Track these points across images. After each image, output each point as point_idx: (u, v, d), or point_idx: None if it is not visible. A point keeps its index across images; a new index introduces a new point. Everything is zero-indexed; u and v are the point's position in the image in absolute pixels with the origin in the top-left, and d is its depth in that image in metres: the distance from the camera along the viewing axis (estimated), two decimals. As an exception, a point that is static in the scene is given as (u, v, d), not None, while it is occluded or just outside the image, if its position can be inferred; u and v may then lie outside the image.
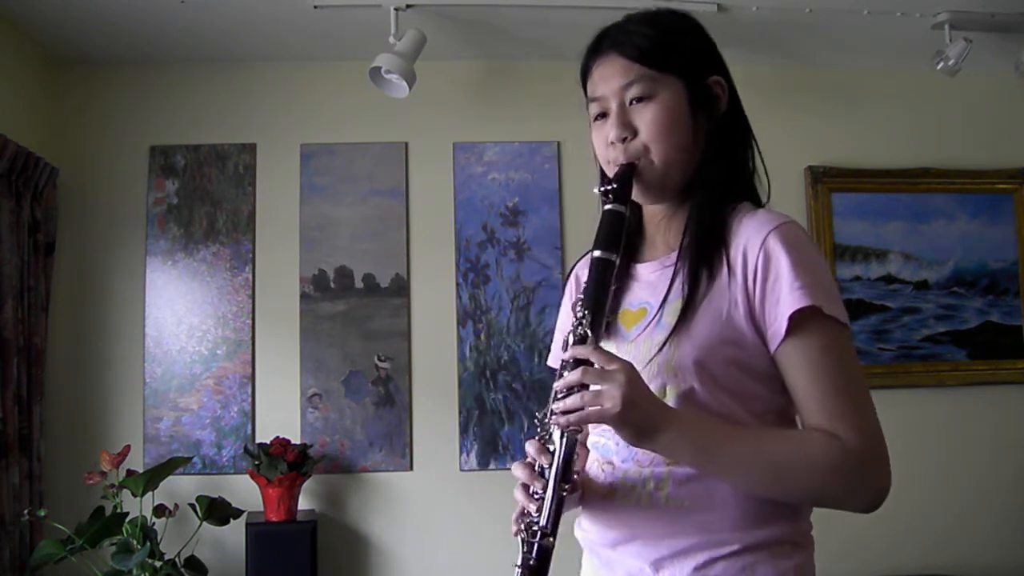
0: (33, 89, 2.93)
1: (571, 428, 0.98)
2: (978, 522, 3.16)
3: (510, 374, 3.05)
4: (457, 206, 3.12)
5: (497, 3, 2.69)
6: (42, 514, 2.53)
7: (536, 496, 0.99)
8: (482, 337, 3.07)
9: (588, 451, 1.17)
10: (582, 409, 0.95)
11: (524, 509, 1.00)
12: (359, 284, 3.06)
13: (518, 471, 1.02)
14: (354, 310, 3.05)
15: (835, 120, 3.27)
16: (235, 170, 3.07)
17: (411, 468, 3.01)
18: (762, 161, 1.16)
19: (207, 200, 3.05)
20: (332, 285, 3.05)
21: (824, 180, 3.23)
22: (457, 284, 3.09)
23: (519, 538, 1.00)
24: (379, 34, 2.70)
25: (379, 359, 3.04)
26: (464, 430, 3.03)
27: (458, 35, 2.94)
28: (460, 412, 3.03)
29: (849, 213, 3.25)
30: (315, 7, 2.67)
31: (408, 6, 2.67)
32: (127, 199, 3.04)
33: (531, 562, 0.98)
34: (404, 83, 2.75)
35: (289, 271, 3.05)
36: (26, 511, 2.52)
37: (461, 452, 3.02)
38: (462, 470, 3.01)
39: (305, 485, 2.85)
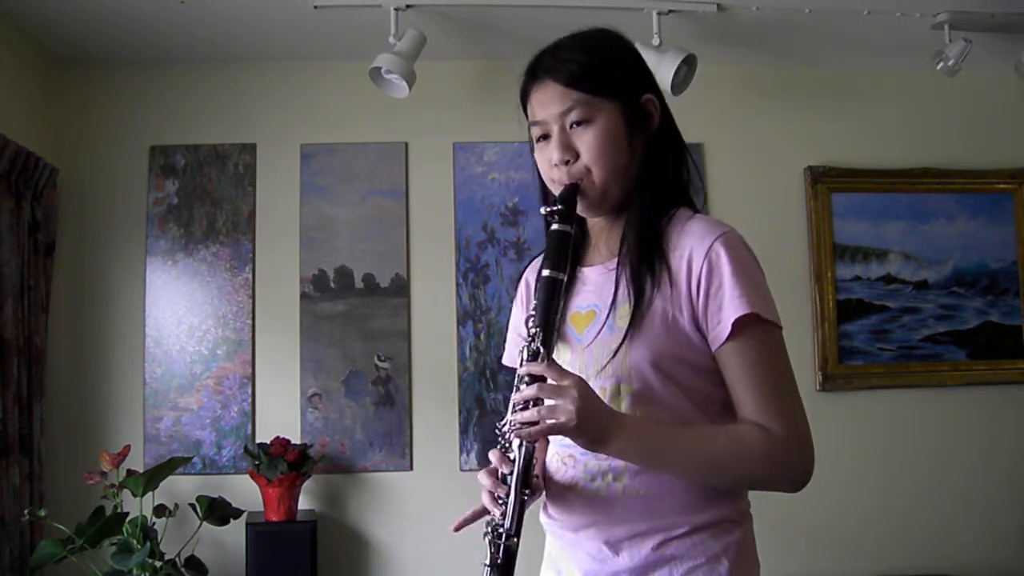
0: (33, 89, 2.93)
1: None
2: (976, 521, 3.16)
3: (510, 374, 3.03)
4: (457, 206, 3.13)
5: (497, 3, 2.69)
6: (42, 514, 2.53)
7: (500, 501, 1.09)
8: (482, 337, 3.07)
9: (547, 443, 1.25)
10: (539, 422, 1.03)
11: (490, 514, 1.10)
12: (359, 284, 3.06)
13: (484, 479, 1.12)
14: (354, 310, 3.05)
15: (835, 120, 3.27)
16: (235, 170, 3.07)
17: (411, 468, 3.01)
18: (697, 171, 1.26)
19: (207, 200, 3.05)
20: (332, 285, 3.05)
21: (824, 180, 3.23)
22: (457, 284, 3.09)
23: (487, 540, 1.09)
24: (379, 34, 2.70)
25: (379, 359, 3.04)
26: (464, 430, 3.03)
27: (458, 35, 2.94)
28: (460, 412, 3.04)
29: (849, 213, 3.25)
30: (315, 7, 2.67)
31: (408, 6, 2.67)
32: (127, 199, 3.04)
33: (499, 561, 1.08)
34: (404, 83, 2.75)
35: (289, 271, 3.05)
36: (26, 511, 2.52)
37: (461, 452, 3.02)
38: (462, 470, 3.01)
39: (305, 485, 2.85)
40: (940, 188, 3.29)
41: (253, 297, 3.03)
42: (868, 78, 3.31)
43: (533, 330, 1.10)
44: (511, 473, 1.08)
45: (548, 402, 1.04)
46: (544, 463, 1.24)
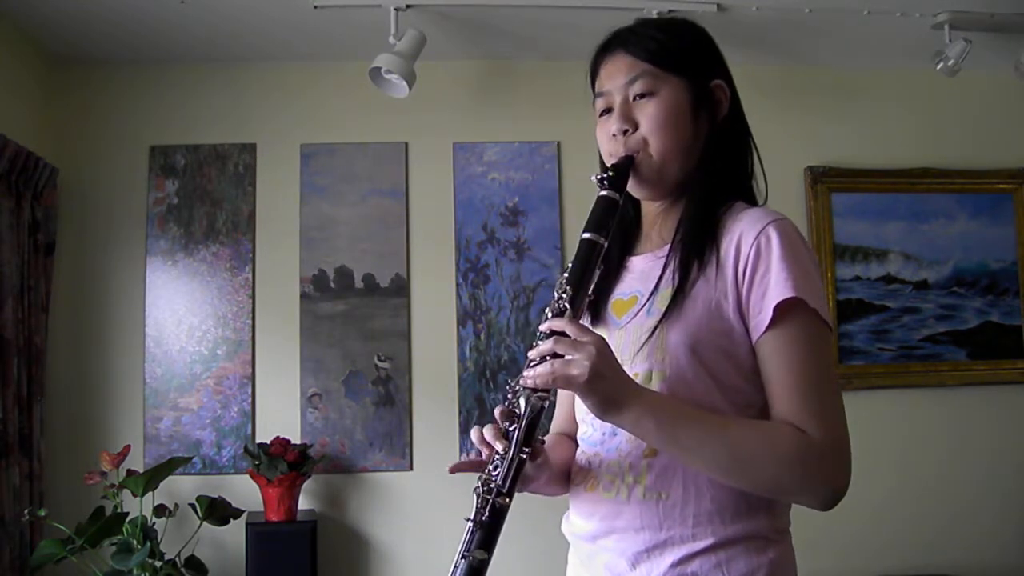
0: (33, 89, 2.93)
1: (537, 393, 1.00)
2: (977, 522, 3.16)
3: (510, 374, 3.04)
4: (457, 206, 3.12)
5: (497, 3, 2.69)
6: (42, 514, 2.53)
7: (497, 456, 1.01)
8: (482, 337, 3.07)
9: (576, 446, 1.20)
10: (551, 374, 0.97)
11: (485, 467, 1.03)
12: (359, 284, 3.06)
13: (487, 431, 1.04)
14: (354, 310, 3.05)
15: (835, 120, 3.27)
16: (235, 170, 3.07)
17: (411, 468, 3.01)
18: (761, 165, 1.20)
19: (207, 200, 3.05)
20: (332, 285, 3.05)
21: (824, 180, 3.23)
22: (457, 284, 3.09)
23: (475, 494, 1.01)
24: (379, 34, 2.70)
25: (379, 359, 3.04)
26: (464, 430, 3.03)
27: (458, 35, 2.94)
28: (460, 412, 3.04)
29: (849, 213, 3.25)
30: (315, 7, 2.67)
31: (408, 6, 2.67)
32: (127, 199, 3.04)
33: (483, 518, 0.99)
34: (404, 83, 2.75)
35: (289, 271, 3.05)
36: (26, 511, 2.52)
37: (461, 452, 3.02)
38: (462, 470, 3.00)
39: (305, 485, 2.85)
40: (940, 188, 3.29)
41: (253, 297, 3.03)
42: (868, 78, 3.31)
43: (562, 289, 1.03)
44: (513, 429, 1.01)
45: (564, 356, 0.97)
46: (569, 461, 1.19)
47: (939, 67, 2.91)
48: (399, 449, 3.00)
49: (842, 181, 3.24)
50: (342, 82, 3.09)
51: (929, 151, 3.29)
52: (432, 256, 3.09)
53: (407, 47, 2.70)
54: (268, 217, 3.07)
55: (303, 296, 3.04)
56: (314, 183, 3.09)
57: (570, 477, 1.18)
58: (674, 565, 1.02)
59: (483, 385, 3.05)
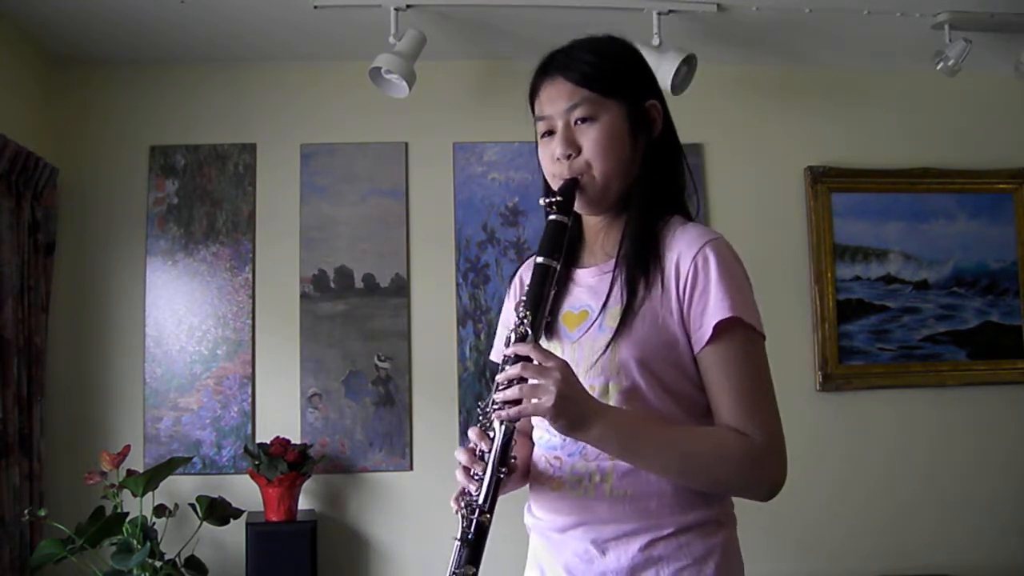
0: (33, 89, 2.93)
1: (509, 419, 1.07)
2: (977, 522, 3.16)
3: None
4: (457, 206, 3.13)
5: (497, 3, 2.69)
6: (42, 514, 2.53)
7: (476, 477, 1.09)
8: (482, 337, 3.07)
9: (532, 443, 1.27)
10: (520, 400, 1.05)
11: (464, 489, 1.10)
12: (359, 284, 3.06)
13: (460, 455, 1.12)
14: (354, 310, 3.05)
15: (835, 120, 3.27)
16: (235, 170, 3.07)
17: (411, 468, 3.01)
18: (692, 179, 1.27)
19: (207, 200, 3.05)
20: (332, 285, 3.05)
21: (824, 180, 3.23)
22: (457, 284, 3.09)
23: (459, 515, 1.09)
24: (379, 34, 2.71)
25: (379, 359, 3.04)
26: (464, 430, 3.03)
27: (458, 35, 2.94)
28: (460, 412, 3.04)
29: (849, 213, 3.25)
30: (315, 7, 2.67)
31: (408, 6, 2.67)
32: (127, 199, 3.04)
33: (469, 536, 1.08)
34: (404, 83, 2.75)
35: (289, 271, 3.05)
36: (26, 511, 2.52)
37: (461, 452, 3.02)
38: (462, 470, 3.00)
39: (305, 485, 2.86)
40: (940, 188, 3.29)
41: (253, 297, 3.03)
42: (868, 78, 3.31)
43: (522, 314, 1.11)
44: (489, 451, 1.09)
45: (531, 381, 1.05)
46: (527, 459, 1.25)
47: (939, 67, 2.91)
48: (399, 449, 3.01)
49: (842, 181, 3.24)
50: (342, 82, 3.09)
51: (929, 151, 3.29)
52: (432, 256, 3.10)
53: (407, 47, 2.70)
54: (268, 217, 3.07)
55: (303, 296, 3.04)
56: (314, 183, 3.09)
57: (530, 473, 1.24)
58: (641, 549, 1.11)
59: (483, 385, 3.05)
